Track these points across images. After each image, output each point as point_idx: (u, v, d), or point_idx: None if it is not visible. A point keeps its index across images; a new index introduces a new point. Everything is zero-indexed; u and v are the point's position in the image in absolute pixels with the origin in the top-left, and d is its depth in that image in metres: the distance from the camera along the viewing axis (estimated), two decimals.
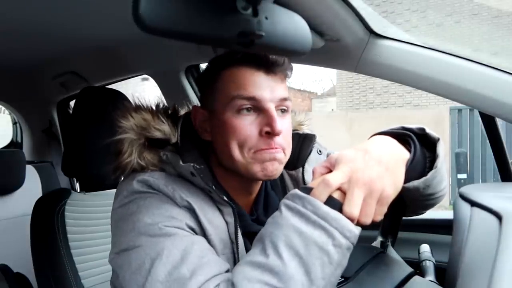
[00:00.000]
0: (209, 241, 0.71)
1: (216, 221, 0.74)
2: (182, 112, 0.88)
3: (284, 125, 0.76)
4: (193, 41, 0.65)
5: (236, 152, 0.75)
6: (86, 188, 1.36)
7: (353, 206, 0.58)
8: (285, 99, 0.77)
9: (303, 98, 15.41)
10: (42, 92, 2.00)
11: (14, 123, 2.32)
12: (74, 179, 2.04)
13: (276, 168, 0.76)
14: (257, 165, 0.75)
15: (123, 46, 1.50)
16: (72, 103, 2.09)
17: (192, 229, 0.71)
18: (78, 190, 1.45)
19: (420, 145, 0.69)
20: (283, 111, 0.78)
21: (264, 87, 0.74)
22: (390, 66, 0.96)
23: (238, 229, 0.74)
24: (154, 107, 0.82)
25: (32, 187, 1.81)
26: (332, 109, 13.13)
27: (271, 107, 0.74)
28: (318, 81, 24.00)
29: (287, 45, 0.68)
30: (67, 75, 1.80)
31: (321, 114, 11.52)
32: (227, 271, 0.66)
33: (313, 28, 0.84)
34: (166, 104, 0.85)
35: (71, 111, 1.84)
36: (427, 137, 0.71)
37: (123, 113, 0.79)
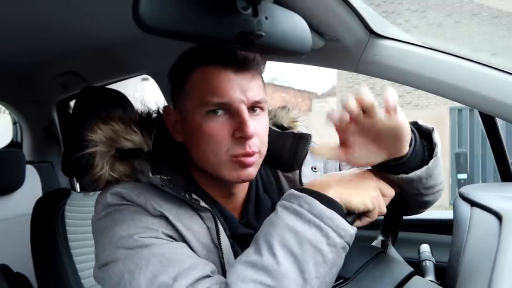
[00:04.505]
0: (190, 248, 0.69)
1: (195, 227, 0.70)
2: None
3: (258, 126, 0.72)
4: (193, 41, 0.65)
5: (210, 155, 0.72)
6: (86, 188, 1.36)
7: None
8: (257, 101, 0.72)
9: (303, 98, 15.40)
10: (42, 92, 2.00)
11: (14, 123, 2.31)
12: (74, 179, 2.04)
13: (251, 172, 0.73)
14: (231, 170, 0.72)
15: (123, 46, 1.49)
16: (72, 103, 2.09)
17: (170, 236, 0.68)
18: (78, 190, 1.45)
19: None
20: (256, 109, 0.74)
21: (234, 87, 0.70)
22: (390, 66, 0.96)
23: (220, 233, 0.71)
24: (127, 117, 0.78)
25: (32, 187, 1.81)
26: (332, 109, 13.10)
27: (242, 108, 0.70)
28: (318, 81, 23.99)
29: (287, 45, 0.68)
30: (67, 75, 1.80)
31: (321, 114, 11.50)
32: (213, 271, 0.64)
33: (313, 28, 0.84)
34: (161, 105, 0.83)
35: (71, 111, 1.84)
36: (421, 129, 0.72)
37: (91, 127, 0.76)
